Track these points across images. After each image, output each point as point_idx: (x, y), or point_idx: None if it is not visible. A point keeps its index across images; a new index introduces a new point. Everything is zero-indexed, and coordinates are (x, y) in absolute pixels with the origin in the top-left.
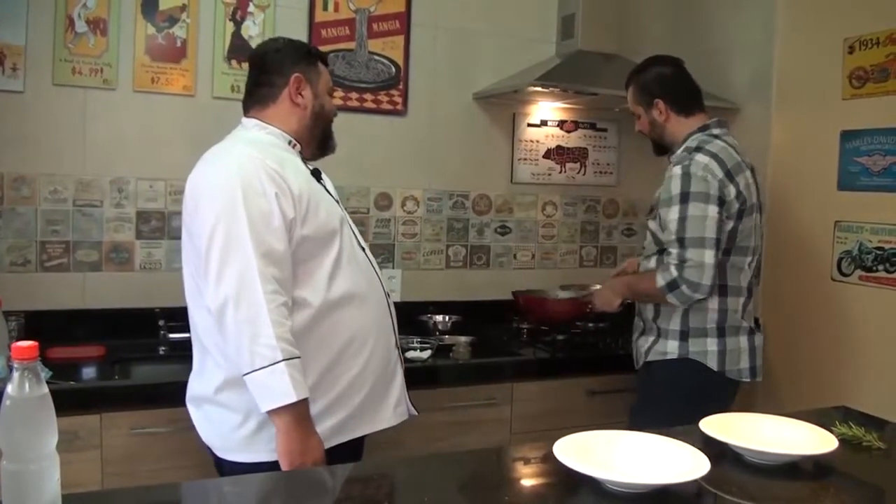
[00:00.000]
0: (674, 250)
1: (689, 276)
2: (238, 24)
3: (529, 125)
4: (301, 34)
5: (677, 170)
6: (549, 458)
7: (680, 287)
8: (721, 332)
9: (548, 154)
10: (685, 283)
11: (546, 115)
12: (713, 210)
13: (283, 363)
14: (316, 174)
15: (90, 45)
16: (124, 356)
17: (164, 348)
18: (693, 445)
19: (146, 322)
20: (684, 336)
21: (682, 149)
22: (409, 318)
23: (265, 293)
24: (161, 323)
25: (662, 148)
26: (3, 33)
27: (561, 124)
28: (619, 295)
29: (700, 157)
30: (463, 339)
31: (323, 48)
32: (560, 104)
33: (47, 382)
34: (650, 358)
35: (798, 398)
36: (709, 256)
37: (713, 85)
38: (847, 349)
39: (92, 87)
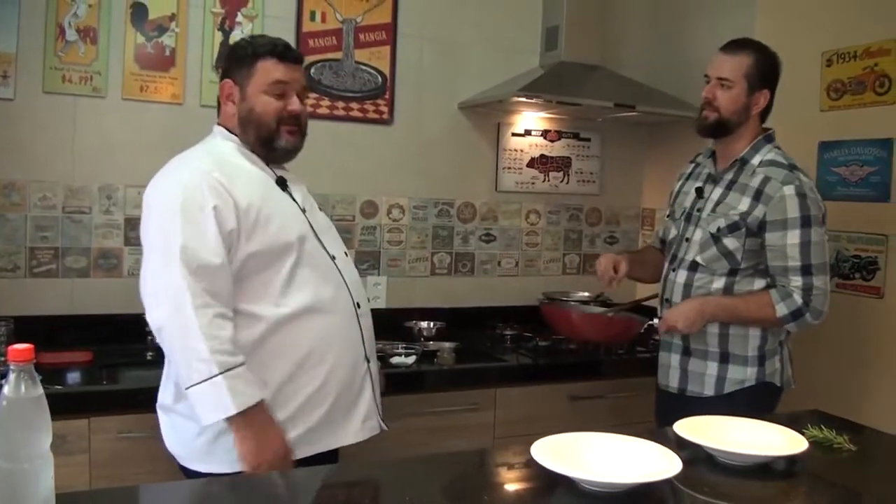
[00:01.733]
0: (797, 277)
1: (816, 305)
2: (226, 34)
3: (514, 134)
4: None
5: (789, 189)
6: (529, 460)
7: (804, 316)
8: (782, 348)
9: (531, 163)
10: (810, 313)
11: (530, 124)
12: (825, 233)
13: (220, 376)
14: (281, 182)
15: (80, 53)
16: (112, 361)
17: (150, 353)
18: (667, 447)
19: (133, 328)
20: (762, 361)
21: (762, 160)
22: (395, 324)
23: (195, 308)
24: (148, 329)
25: (717, 132)
26: None
27: (545, 134)
28: (707, 317)
29: (804, 178)
30: (447, 345)
31: (310, 58)
32: (544, 114)
33: None
34: (728, 389)
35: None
36: (828, 284)
37: (692, 96)
38: (825, 354)
39: (82, 95)
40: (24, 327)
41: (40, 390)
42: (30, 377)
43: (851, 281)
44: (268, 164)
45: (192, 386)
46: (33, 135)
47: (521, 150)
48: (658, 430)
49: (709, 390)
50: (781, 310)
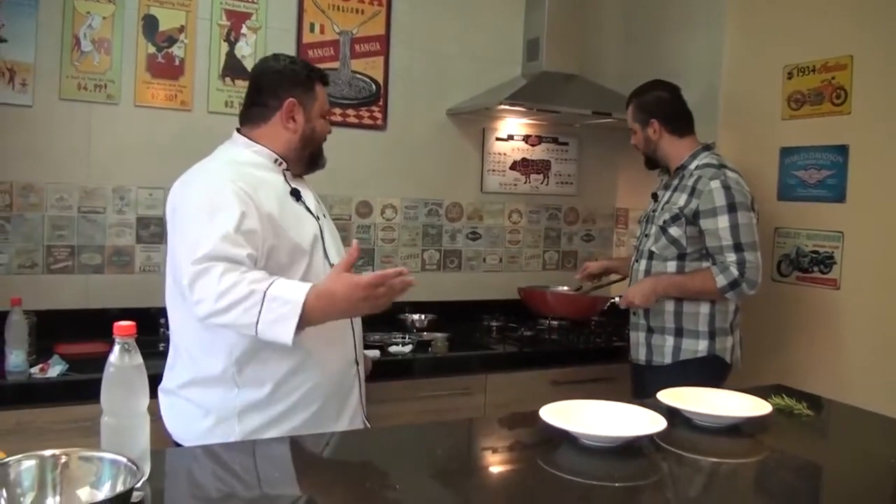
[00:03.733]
0: (731, 254)
1: (750, 276)
2: (232, 45)
3: (497, 139)
4: (290, 54)
5: (716, 184)
6: (531, 424)
7: (741, 286)
8: (732, 330)
9: (514, 166)
10: (746, 283)
11: (513, 129)
12: (753, 217)
13: (267, 292)
14: (295, 194)
15: (95, 62)
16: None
17: (163, 345)
18: (654, 411)
19: (146, 321)
20: (712, 336)
21: (698, 164)
22: (388, 316)
23: (220, 281)
24: (162, 321)
25: (654, 163)
26: (13, 52)
27: (526, 138)
28: (660, 292)
29: (730, 173)
30: (440, 335)
31: None
32: (526, 120)
33: (64, 375)
34: (682, 357)
35: (740, 380)
36: (759, 258)
37: None
38: (787, 339)
39: (96, 102)
40: (43, 321)
41: (139, 360)
42: (132, 348)
43: (811, 274)
44: (287, 170)
45: (258, 325)
46: (50, 139)
47: (505, 154)
48: (643, 399)
49: (668, 359)
50: (721, 281)
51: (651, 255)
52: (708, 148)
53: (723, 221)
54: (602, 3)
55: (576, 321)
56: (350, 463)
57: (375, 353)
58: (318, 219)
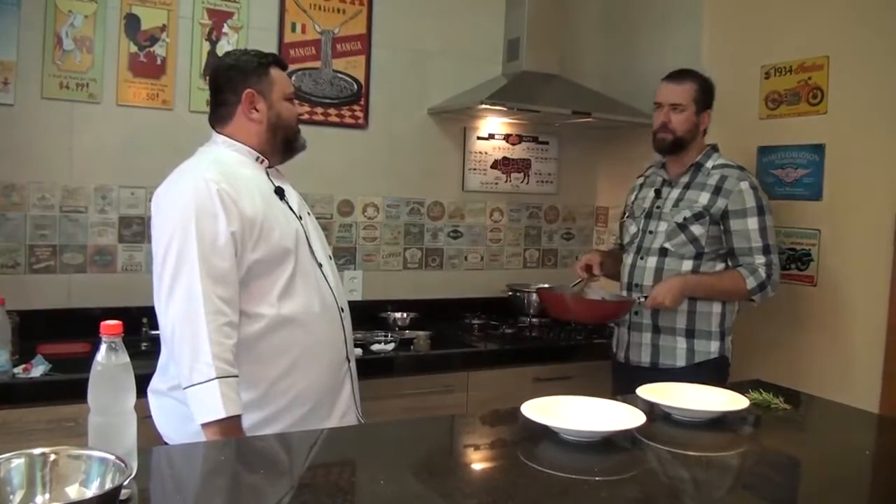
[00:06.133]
0: (760, 256)
1: (775, 278)
2: (213, 44)
3: (479, 138)
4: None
5: (745, 185)
6: (513, 420)
7: (767, 288)
8: (730, 331)
9: (495, 164)
10: (771, 285)
11: (494, 129)
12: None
13: (216, 381)
14: (279, 192)
15: (77, 61)
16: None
17: (145, 344)
18: (633, 407)
19: (128, 320)
20: (722, 336)
21: (715, 164)
22: (371, 315)
23: (207, 314)
24: (144, 321)
25: (672, 148)
26: None
27: (507, 137)
28: (688, 293)
29: (752, 176)
30: (422, 333)
31: (291, 66)
32: (506, 119)
33: (47, 374)
34: (698, 360)
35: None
36: (779, 260)
37: (644, 103)
38: (766, 334)
39: (78, 101)
40: (25, 321)
41: (126, 358)
42: (118, 347)
43: (788, 271)
44: (270, 166)
45: (191, 386)
46: (32, 138)
47: (486, 153)
48: (623, 395)
49: (680, 362)
50: (751, 283)
51: (664, 253)
52: (716, 148)
53: (753, 223)
54: (581, 2)
55: (596, 326)
56: (335, 459)
57: (358, 351)
58: (300, 218)
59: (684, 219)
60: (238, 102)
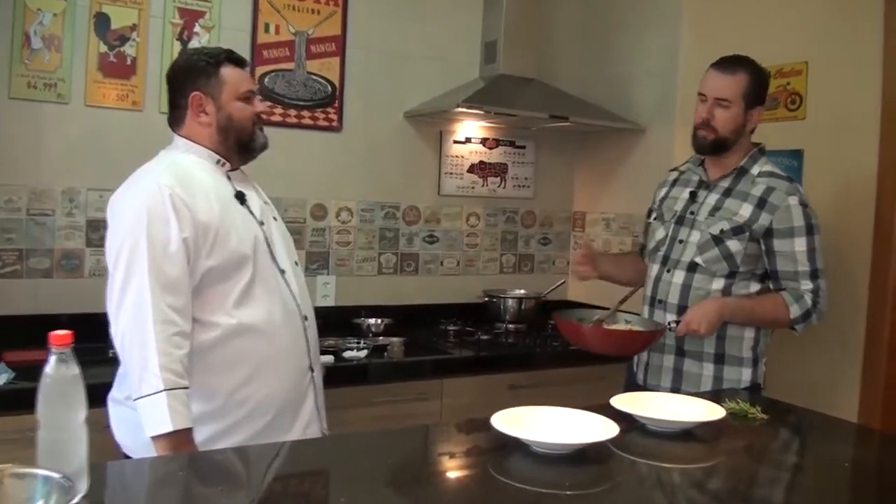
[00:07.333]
0: (807, 281)
1: (822, 307)
2: (185, 44)
3: (455, 142)
4: (244, 54)
5: (794, 200)
6: (486, 429)
7: (812, 317)
8: (764, 354)
9: (471, 169)
10: (816, 314)
11: (470, 132)
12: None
13: (164, 393)
14: (240, 196)
15: (45, 60)
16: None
17: (112, 351)
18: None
19: (96, 326)
20: (755, 362)
21: (761, 171)
22: (344, 321)
23: (156, 323)
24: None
25: (713, 148)
26: None
27: (483, 141)
28: (724, 318)
29: (801, 189)
30: (396, 339)
31: (264, 68)
32: (483, 123)
33: (10, 383)
34: (726, 387)
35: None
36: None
37: (621, 107)
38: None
39: (46, 101)
40: None
41: (76, 370)
42: (68, 359)
43: None
44: (232, 170)
45: (139, 398)
46: None
47: (462, 157)
48: (602, 405)
49: (704, 389)
50: (795, 311)
51: (694, 268)
52: (763, 152)
53: (800, 244)
54: (559, 6)
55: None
56: (298, 473)
57: (329, 358)
58: (262, 223)
59: (721, 231)
60: (187, 106)
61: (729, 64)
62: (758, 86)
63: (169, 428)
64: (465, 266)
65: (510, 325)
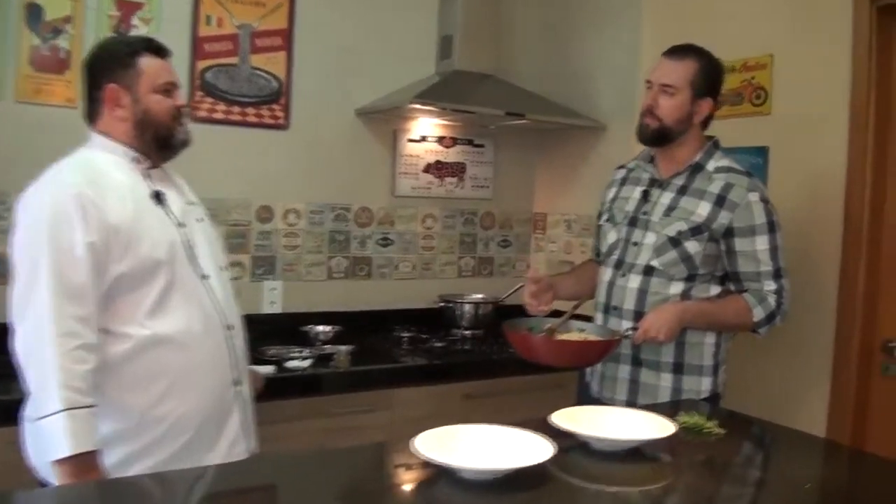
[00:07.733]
0: (770, 282)
1: (785, 308)
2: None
3: (410, 140)
4: (184, 48)
5: (754, 196)
6: (413, 454)
7: (776, 318)
8: (724, 361)
9: (427, 168)
10: (780, 315)
11: (426, 130)
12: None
13: (62, 413)
14: (157, 196)
15: None
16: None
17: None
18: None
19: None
20: (715, 370)
21: (717, 166)
22: (292, 329)
23: (57, 336)
24: None
25: (656, 138)
26: None
27: (440, 140)
28: (684, 324)
29: (761, 184)
30: (343, 347)
31: (206, 62)
32: (439, 121)
33: None
34: (683, 398)
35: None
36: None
37: (581, 104)
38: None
39: None
40: None
41: None
42: None
43: None
44: (153, 166)
45: (38, 419)
46: None
47: (418, 156)
48: (541, 421)
49: (663, 400)
50: (759, 313)
51: (650, 271)
52: (717, 145)
53: (762, 243)
54: (517, 0)
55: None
56: (221, 501)
57: (270, 368)
58: (182, 225)
59: (678, 233)
60: (102, 99)
61: (678, 51)
62: (708, 75)
63: (67, 452)
64: (421, 270)
65: (466, 332)
